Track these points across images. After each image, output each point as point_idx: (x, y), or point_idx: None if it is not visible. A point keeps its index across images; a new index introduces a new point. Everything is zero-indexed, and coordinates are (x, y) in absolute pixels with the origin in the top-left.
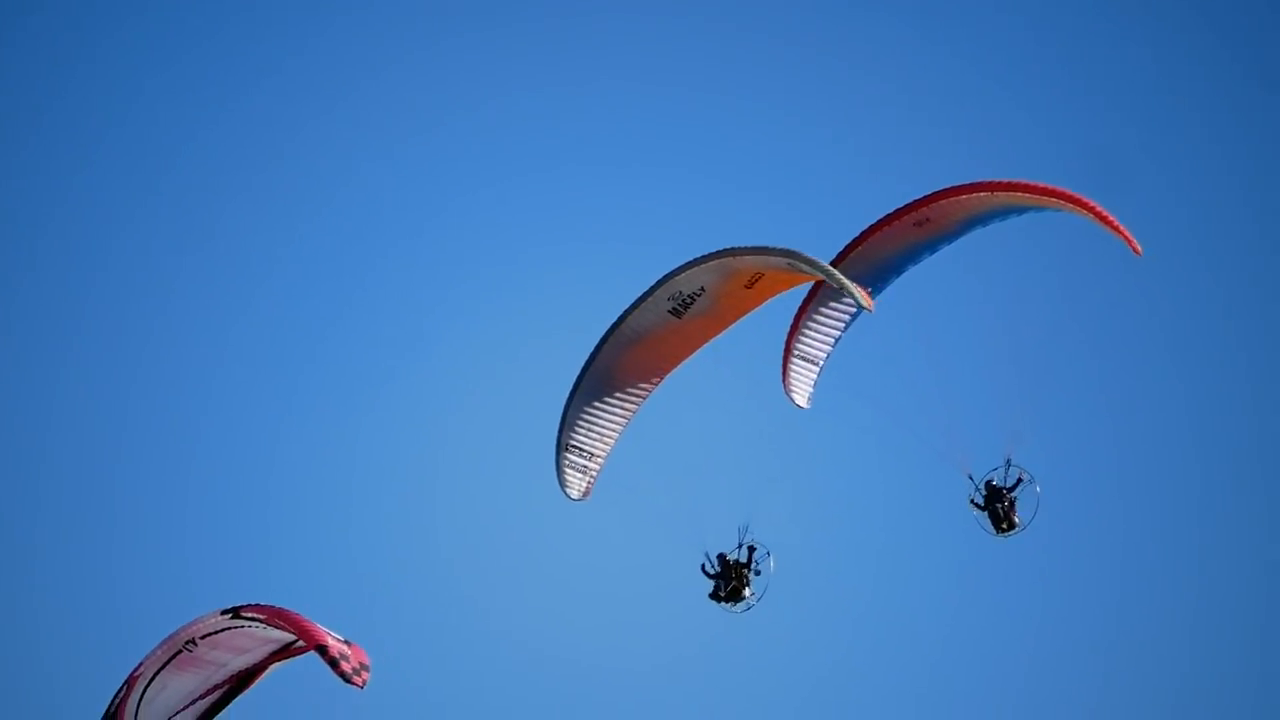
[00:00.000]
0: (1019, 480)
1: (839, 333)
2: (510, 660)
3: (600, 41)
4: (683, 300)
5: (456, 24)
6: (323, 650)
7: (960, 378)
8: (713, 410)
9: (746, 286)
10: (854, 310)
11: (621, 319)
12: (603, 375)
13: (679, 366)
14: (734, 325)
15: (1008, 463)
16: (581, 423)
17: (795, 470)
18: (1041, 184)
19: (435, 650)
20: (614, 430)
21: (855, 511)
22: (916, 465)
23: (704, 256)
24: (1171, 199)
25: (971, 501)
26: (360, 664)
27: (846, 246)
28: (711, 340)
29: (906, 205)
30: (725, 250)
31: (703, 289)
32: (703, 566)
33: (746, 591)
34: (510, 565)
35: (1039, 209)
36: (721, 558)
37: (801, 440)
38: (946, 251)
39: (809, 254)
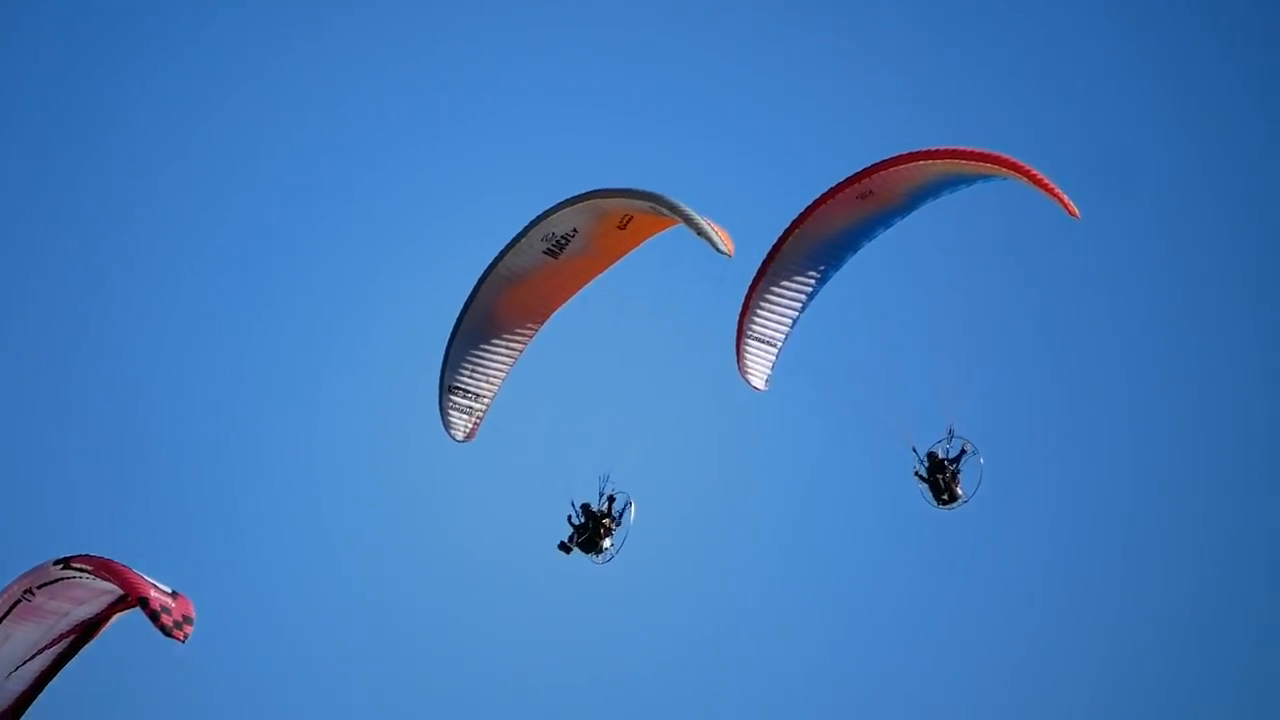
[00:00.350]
0: (962, 451)
1: (796, 312)
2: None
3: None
4: (556, 241)
5: None
6: (144, 602)
7: (903, 348)
8: (627, 364)
9: (620, 228)
10: (812, 287)
11: (496, 260)
12: (483, 316)
13: (564, 306)
14: (617, 264)
15: (950, 433)
16: (465, 364)
17: (736, 443)
18: (976, 149)
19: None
20: (499, 371)
21: (801, 485)
22: (860, 438)
23: (572, 198)
24: (1172, 201)
25: (915, 474)
26: (184, 616)
27: (792, 222)
28: (594, 279)
29: (848, 178)
30: (592, 192)
31: (575, 230)
32: (569, 518)
33: (606, 542)
34: (376, 518)
35: (976, 176)
36: (585, 508)
37: (746, 413)
38: (900, 225)
39: (673, 198)
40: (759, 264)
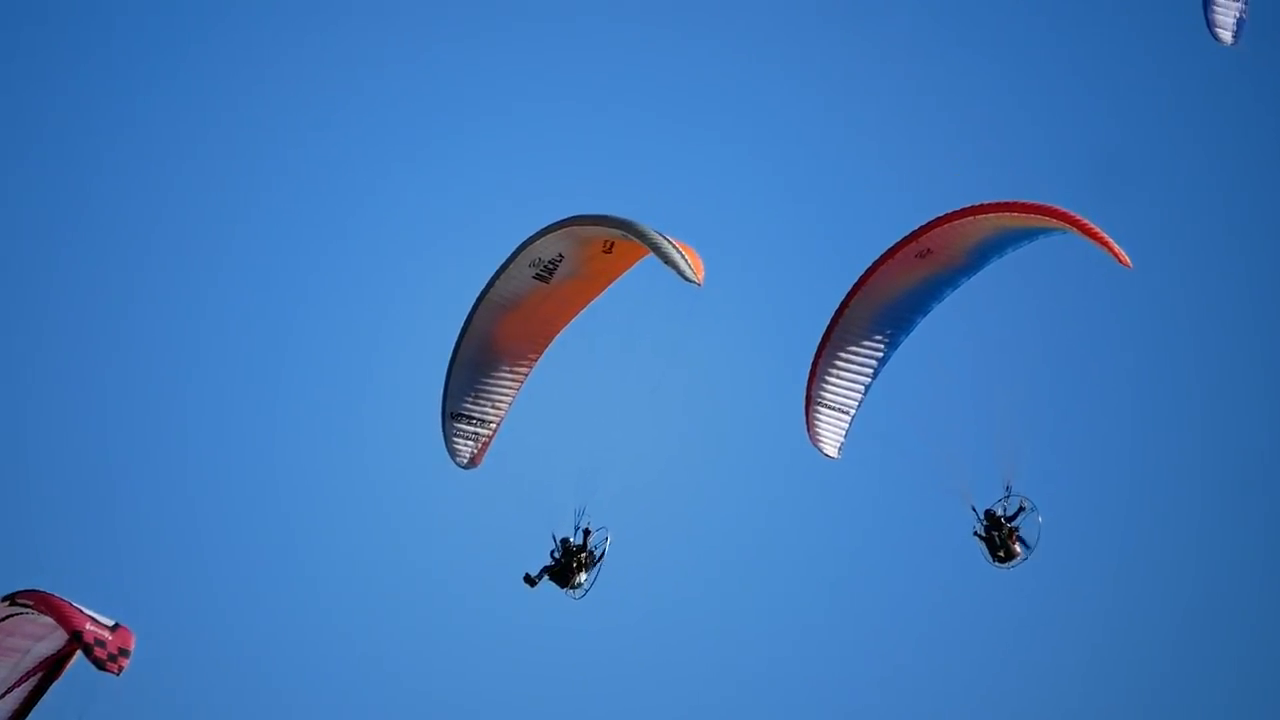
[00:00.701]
0: (1020, 509)
1: (868, 378)
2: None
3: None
4: (545, 266)
5: None
6: (77, 636)
7: (959, 404)
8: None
9: (605, 252)
10: (883, 352)
11: (487, 287)
12: (481, 342)
13: (566, 329)
14: (615, 286)
15: (1008, 490)
16: (468, 391)
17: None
18: (1027, 202)
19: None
20: (504, 397)
21: (862, 546)
22: (919, 500)
23: (552, 225)
24: (1173, 204)
25: (975, 534)
26: (120, 649)
27: (854, 285)
28: (592, 301)
29: (904, 238)
30: (570, 219)
31: (561, 255)
32: (551, 553)
33: (581, 576)
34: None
35: (1033, 230)
36: (565, 542)
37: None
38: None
39: (643, 226)
40: (822, 329)
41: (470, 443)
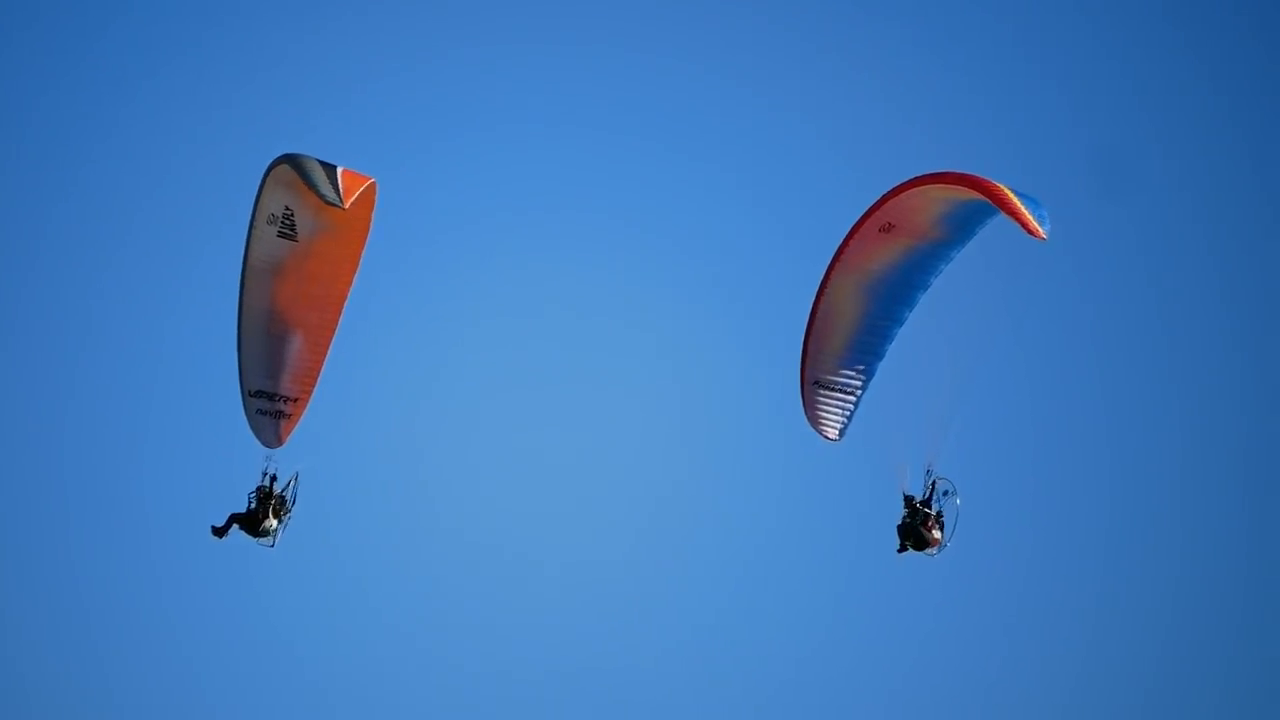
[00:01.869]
0: (931, 490)
1: (871, 357)
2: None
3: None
4: (282, 221)
5: None
6: None
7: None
8: None
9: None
10: (882, 329)
11: (245, 255)
12: (261, 314)
13: (351, 289)
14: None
15: (928, 473)
16: (262, 365)
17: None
18: (952, 172)
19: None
20: (304, 367)
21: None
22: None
23: (263, 175)
24: (1173, 201)
25: (898, 524)
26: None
27: (828, 265)
28: (359, 256)
29: (863, 214)
30: (270, 168)
31: (289, 208)
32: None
33: (270, 523)
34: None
35: (960, 199)
36: (259, 490)
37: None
38: None
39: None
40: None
41: (272, 420)
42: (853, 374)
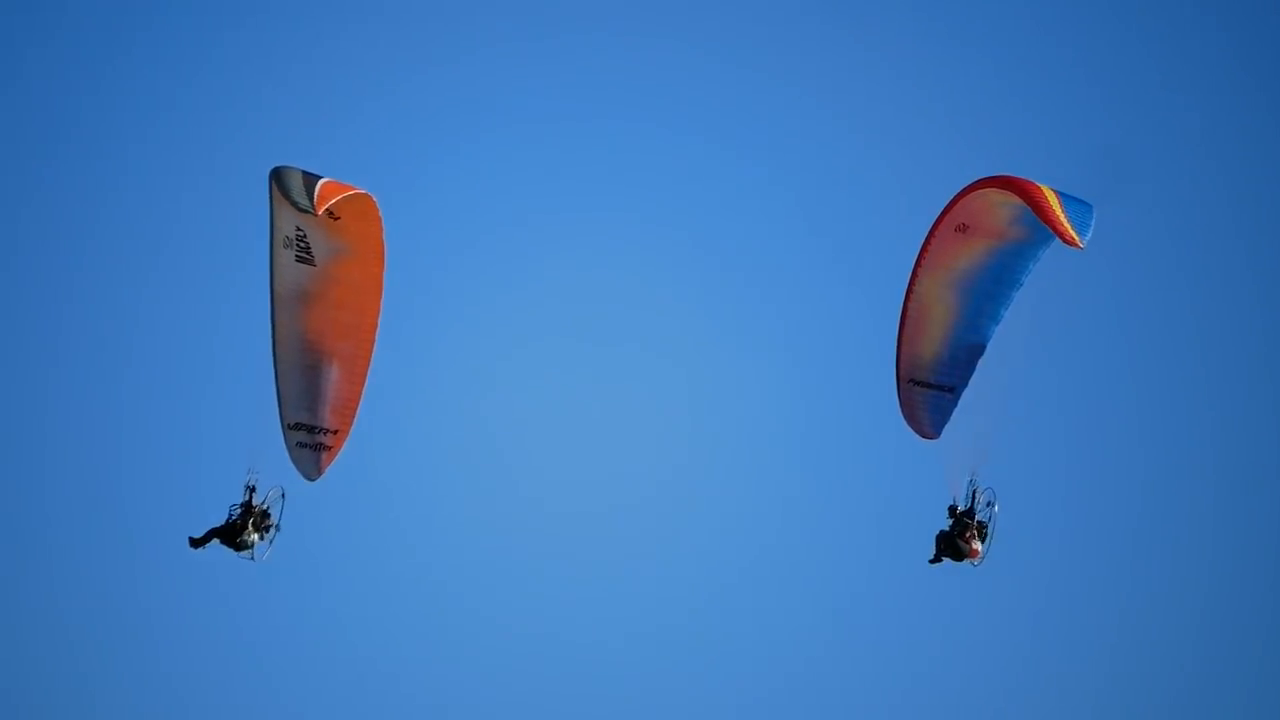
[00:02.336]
0: (974, 500)
1: (969, 354)
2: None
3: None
4: (297, 245)
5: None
6: None
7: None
8: None
9: (333, 218)
10: (980, 329)
11: (271, 283)
12: (295, 343)
13: (380, 315)
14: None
15: (970, 482)
16: (300, 397)
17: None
18: (1004, 176)
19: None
20: (343, 397)
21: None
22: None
23: (271, 198)
24: (1173, 200)
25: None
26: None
27: (914, 263)
28: (381, 277)
29: (938, 216)
30: (274, 192)
31: (300, 229)
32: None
33: (253, 538)
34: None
35: (1009, 201)
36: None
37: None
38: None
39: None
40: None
41: (312, 452)
42: (951, 373)
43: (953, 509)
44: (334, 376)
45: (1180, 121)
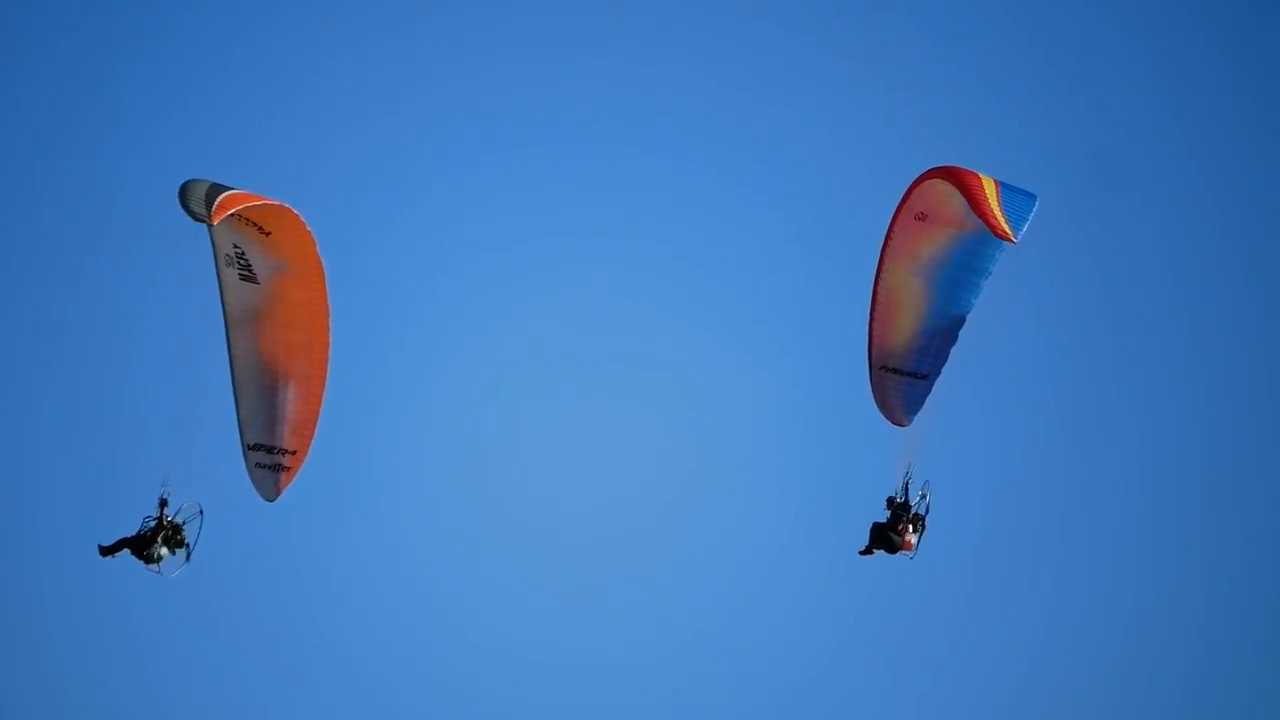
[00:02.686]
0: (905, 491)
1: (941, 341)
2: None
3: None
4: (238, 263)
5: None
6: None
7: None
8: None
9: (264, 234)
10: (950, 316)
11: (221, 303)
12: (248, 364)
13: (330, 335)
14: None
15: (907, 474)
16: (257, 416)
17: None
18: (946, 167)
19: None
20: (301, 417)
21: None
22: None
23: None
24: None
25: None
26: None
27: (881, 250)
28: (325, 294)
29: (898, 204)
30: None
31: (236, 246)
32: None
33: (161, 551)
34: None
35: (954, 191)
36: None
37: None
38: None
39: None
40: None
41: (271, 473)
42: (923, 360)
43: (890, 500)
44: (290, 396)
45: (1161, 122)
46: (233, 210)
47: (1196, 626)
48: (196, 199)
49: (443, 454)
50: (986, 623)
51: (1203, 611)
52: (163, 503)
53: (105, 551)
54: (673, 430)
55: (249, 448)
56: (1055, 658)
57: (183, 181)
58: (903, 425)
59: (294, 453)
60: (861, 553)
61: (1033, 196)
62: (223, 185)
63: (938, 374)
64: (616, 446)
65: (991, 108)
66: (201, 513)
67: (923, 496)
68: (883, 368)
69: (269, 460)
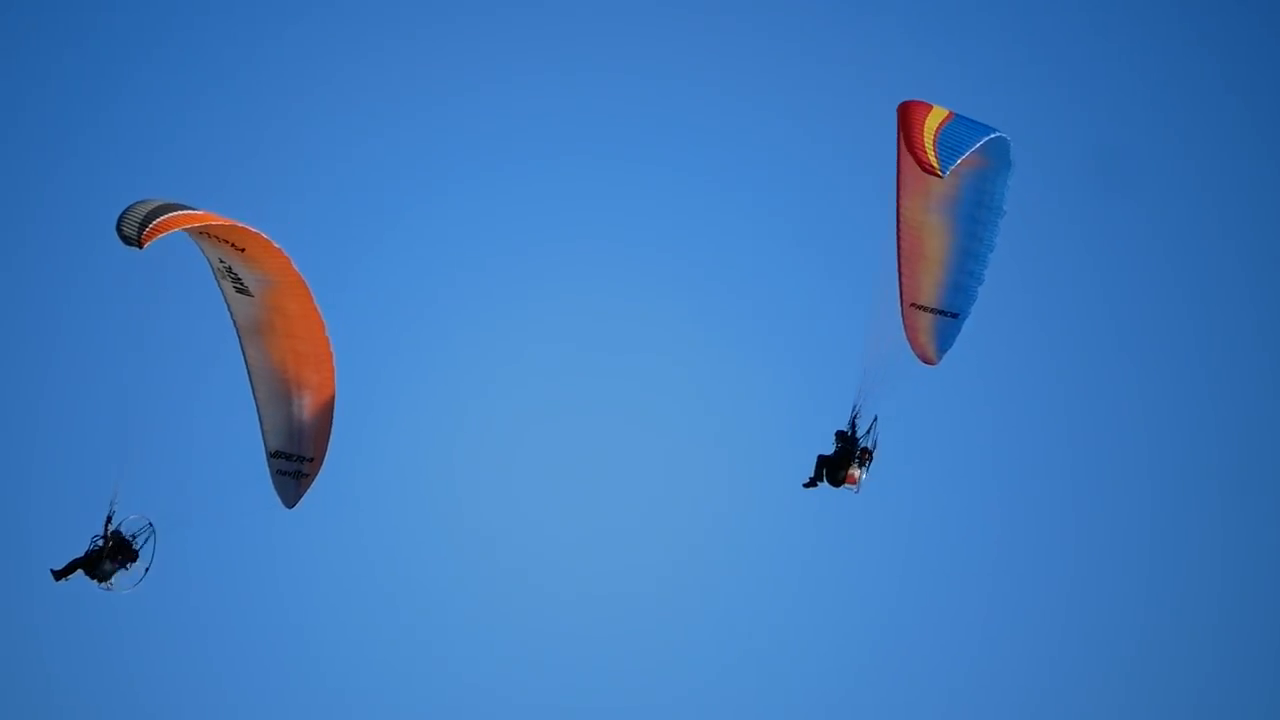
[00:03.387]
0: (854, 425)
1: (967, 280)
2: None
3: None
4: (230, 275)
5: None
6: None
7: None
8: None
9: (238, 249)
10: (975, 251)
11: (230, 315)
12: (264, 373)
13: (331, 346)
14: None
15: (855, 406)
16: (278, 426)
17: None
18: (901, 104)
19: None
20: (315, 430)
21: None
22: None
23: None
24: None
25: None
26: None
27: (896, 187)
28: (313, 304)
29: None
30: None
31: (222, 260)
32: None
33: (109, 567)
34: None
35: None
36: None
37: None
38: None
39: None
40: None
41: (292, 480)
42: (953, 299)
43: (840, 434)
44: (304, 404)
45: (1160, 120)
46: (164, 235)
47: (1196, 625)
48: (129, 222)
49: (443, 455)
50: (987, 622)
51: (1201, 609)
52: (108, 518)
53: (59, 575)
54: (677, 434)
55: (271, 455)
56: (1056, 657)
57: (130, 204)
58: (932, 363)
59: (311, 460)
60: (805, 485)
61: (984, 129)
62: (172, 205)
63: (967, 314)
64: (618, 449)
65: (991, 107)
66: (151, 526)
67: (868, 432)
68: (912, 304)
69: (289, 468)
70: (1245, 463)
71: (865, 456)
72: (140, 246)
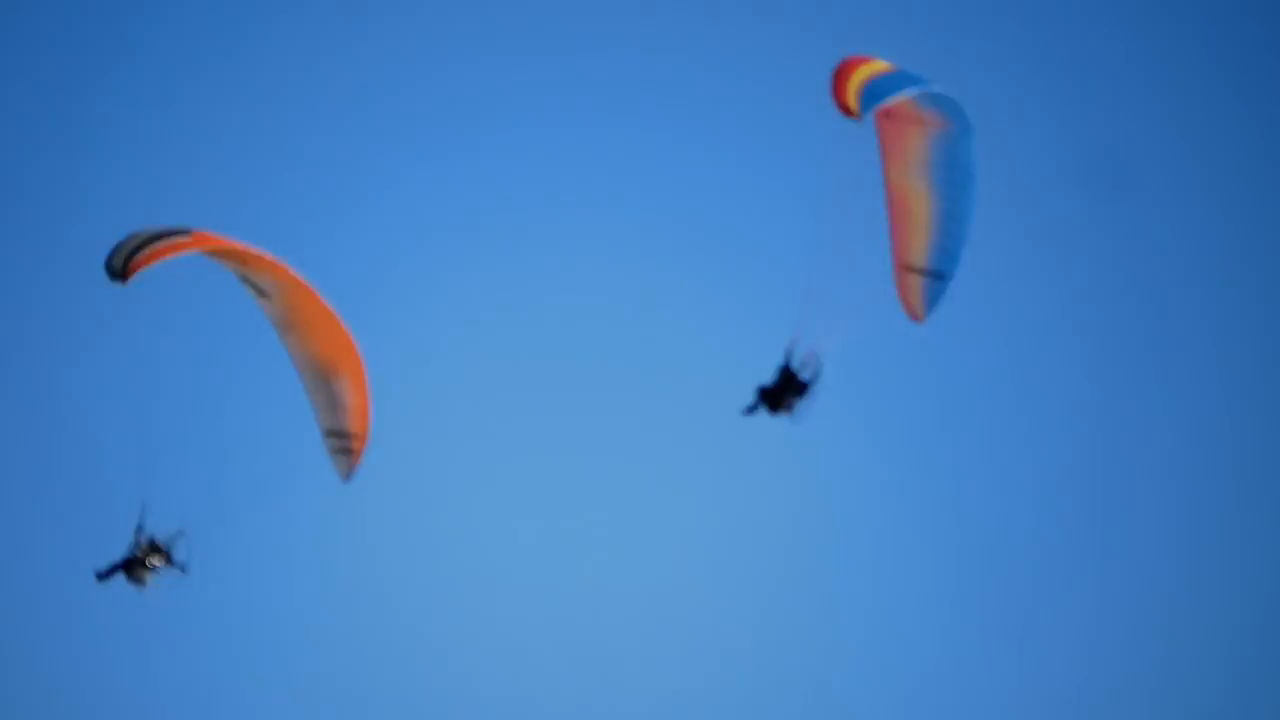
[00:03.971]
0: (789, 353)
1: (954, 241)
2: None
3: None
4: (248, 283)
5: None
6: None
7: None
8: None
9: (240, 262)
10: (961, 211)
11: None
12: (304, 361)
13: (345, 330)
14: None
15: (792, 339)
16: (325, 406)
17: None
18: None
19: None
20: (359, 405)
21: None
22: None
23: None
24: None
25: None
26: None
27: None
28: (321, 303)
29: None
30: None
31: (234, 270)
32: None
33: (148, 574)
34: None
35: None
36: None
37: None
38: None
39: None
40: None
41: (345, 456)
42: (939, 259)
43: (783, 368)
44: (345, 387)
45: (1161, 120)
46: (147, 268)
47: (1196, 624)
48: (118, 253)
49: (444, 455)
50: (985, 622)
51: (1202, 609)
52: (139, 527)
53: (102, 577)
54: (677, 434)
55: (324, 434)
56: (1056, 656)
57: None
58: (919, 322)
59: (356, 435)
60: (744, 412)
61: (919, 81)
62: (163, 233)
63: (951, 274)
64: (620, 453)
65: (991, 108)
66: (182, 531)
67: (804, 365)
68: (906, 267)
69: (340, 445)
70: (1246, 462)
71: (802, 388)
72: (124, 281)
